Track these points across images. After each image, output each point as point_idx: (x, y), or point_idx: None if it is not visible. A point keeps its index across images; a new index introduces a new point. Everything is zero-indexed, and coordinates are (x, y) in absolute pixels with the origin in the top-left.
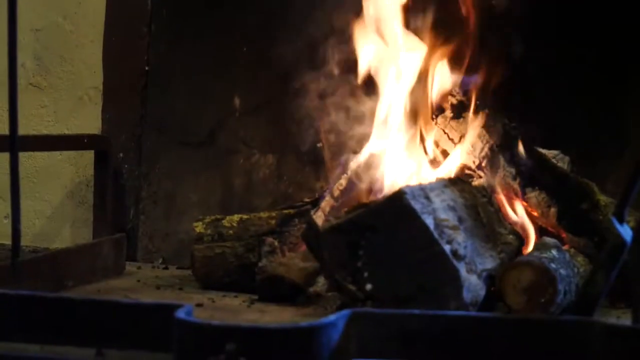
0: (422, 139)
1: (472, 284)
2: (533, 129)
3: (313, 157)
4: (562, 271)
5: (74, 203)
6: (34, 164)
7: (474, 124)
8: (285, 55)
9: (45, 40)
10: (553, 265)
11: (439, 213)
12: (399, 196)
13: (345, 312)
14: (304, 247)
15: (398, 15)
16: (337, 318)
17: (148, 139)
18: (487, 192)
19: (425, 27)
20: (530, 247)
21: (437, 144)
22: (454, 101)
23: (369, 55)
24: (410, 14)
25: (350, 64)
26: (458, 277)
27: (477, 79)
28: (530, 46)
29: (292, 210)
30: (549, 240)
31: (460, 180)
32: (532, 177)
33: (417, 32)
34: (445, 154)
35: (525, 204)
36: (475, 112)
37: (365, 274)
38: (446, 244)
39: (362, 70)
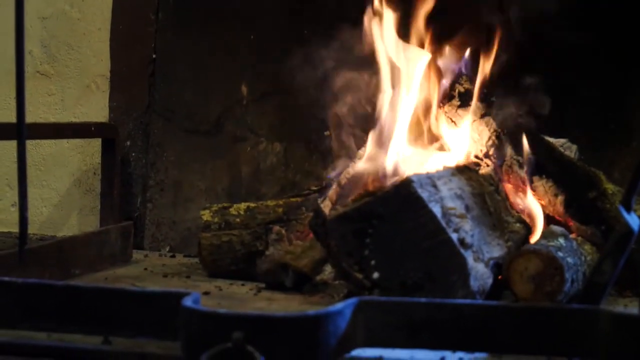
0: (429, 127)
1: (479, 273)
2: (541, 117)
3: (320, 145)
4: (570, 259)
5: (81, 191)
6: (41, 152)
7: (481, 112)
8: (293, 42)
9: (52, 28)
10: (560, 254)
11: (446, 201)
12: (406, 184)
13: (352, 300)
14: (311, 236)
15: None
16: (344, 306)
17: (155, 127)
18: (494, 181)
19: (433, 14)
20: (537, 236)
21: (444, 132)
22: (461, 89)
23: (377, 43)
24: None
25: (358, 51)
26: (465, 266)
27: (483, 67)
28: (539, 34)
29: (299, 199)
30: (556, 228)
31: (468, 169)
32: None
33: (425, 20)
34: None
35: (532, 192)
36: (483, 101)
37: (372, 262)
38: (453, 232)
39: (370, 57)
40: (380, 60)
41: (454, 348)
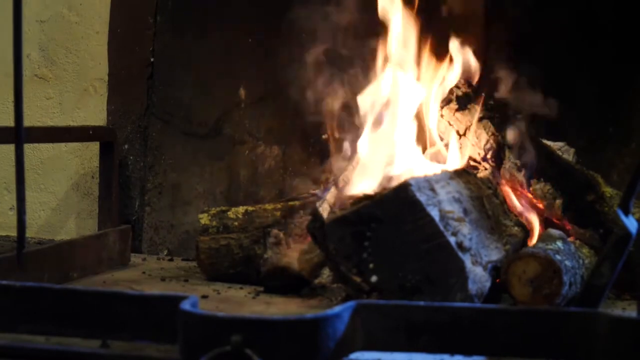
0: (428, 131)
1: (478, 276)
2: (539, 120)
3: (319, 148)
4: (568, 263)
5: (79, 194)
6: (39, 156)
7: (479, 116)
8: (291, 45)
9: (50, 32)
10: (558, 257)
11: (445, 205)
12: (404, 188)
13: (351, 303)
14: (309, 239)
15: (405, 6)
16: (342, 309)
17: (153, 130)
18: (493, 184)
19: (432, 17)
20: (535, 239)
21: (442, 136)
22: (459, 92)
23: (376, 47)
24: (418, 5)
25: (356, 56)
26: (463, 269)
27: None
28: (538, 35)
29: (297, 202)
30: (554, 231)
31: (466, 172)
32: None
33: (424, 23)
34: (450, 145)
35: (530, 195)
36: (480, 104)
37: (371, 266)
38: (451, 235)
39: (369, 62)
40: (379, 61)
41: (452, 351)
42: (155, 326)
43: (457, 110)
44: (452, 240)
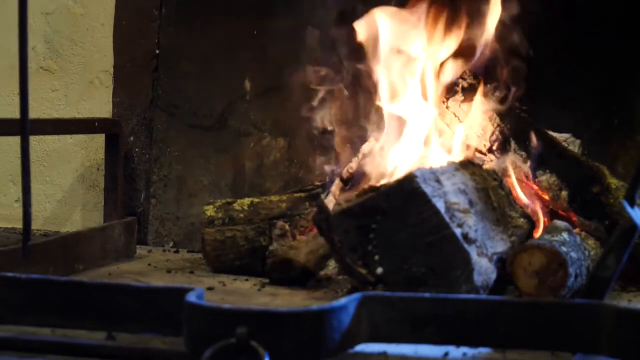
0: (433, 122)
1: (483, 268)
2: (544, 112)
3: (324, 140)
4: (573, 254)
5: (84, 187)
6: (44, 148)
7: (484, 107)
8: (296, 38)
9: (55, 24)
10: (564, 249)
11: (450, 196)
12: (409, 179)
13: (356, 295)
14: (314, 231)
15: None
16: (347, 301)
17: (159, 122)
18: (498, 176)
19: (436, 10)
20: (541, 231)
21: (448, 127)
22: (465, 84)
23: (380, 39)
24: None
25: (361, 47)
26: (469, 261)
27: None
28: (542, 27)
29: (302, 194)
30: (559, 223)
31: (471, 164)
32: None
33: (428, 16)
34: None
35: (536, 187)
36: (486, 95)
37: (376, 258)
38: (457, 227)
39: (373, 55)
40: (385, 54)
41: (457, 343)
42: (161, 318)
43: (462, 101)
44: (457, 231)
